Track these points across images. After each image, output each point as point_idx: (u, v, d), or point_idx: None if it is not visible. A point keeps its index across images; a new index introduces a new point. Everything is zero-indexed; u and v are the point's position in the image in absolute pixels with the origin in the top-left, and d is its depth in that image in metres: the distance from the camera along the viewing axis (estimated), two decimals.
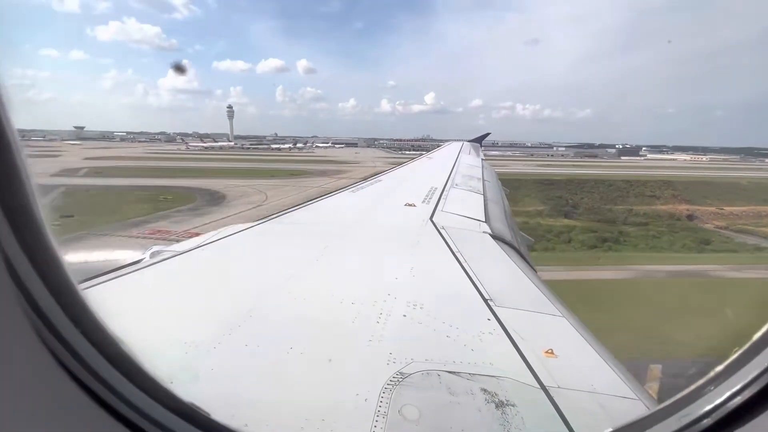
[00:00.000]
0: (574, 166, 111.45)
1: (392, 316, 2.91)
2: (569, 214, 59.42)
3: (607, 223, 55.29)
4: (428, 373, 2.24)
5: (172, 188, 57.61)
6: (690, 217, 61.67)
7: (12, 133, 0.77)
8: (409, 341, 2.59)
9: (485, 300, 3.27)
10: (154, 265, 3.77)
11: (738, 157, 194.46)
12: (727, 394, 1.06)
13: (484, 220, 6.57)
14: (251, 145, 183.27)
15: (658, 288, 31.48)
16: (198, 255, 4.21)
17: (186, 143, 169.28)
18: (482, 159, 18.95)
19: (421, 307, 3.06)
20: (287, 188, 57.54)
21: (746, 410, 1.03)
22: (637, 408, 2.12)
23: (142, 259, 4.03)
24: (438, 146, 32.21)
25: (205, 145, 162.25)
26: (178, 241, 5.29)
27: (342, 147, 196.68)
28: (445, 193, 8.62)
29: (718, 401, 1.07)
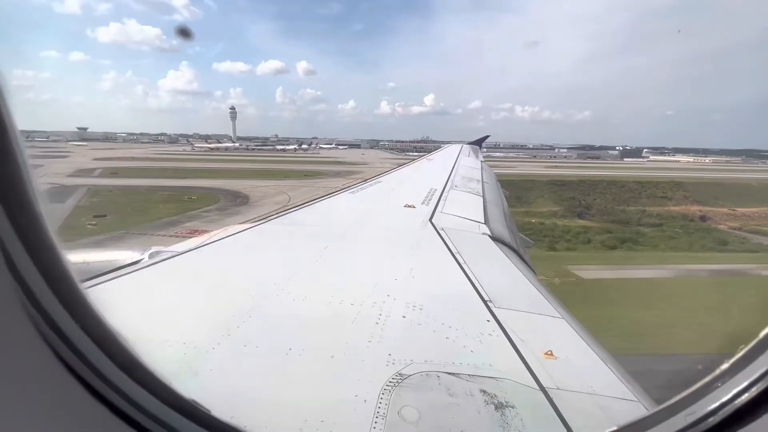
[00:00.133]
0: (580, 167, 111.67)
1: (392, 317, 2.91)
2: (582, 215, 59.49)
3: (621, 224, 55.39)
4: (428, 374, 2.23)
5: (193, 189, 58.13)
6: (703, 218, 61.61)
7: (13, 132, 0.78)
8: (408, 342, 2.58)
9: (485, 301, 3.26)
10: (153, 266, 3.76)
11: (740, 158, 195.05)
12: (734, 391, 1.06)
13: (483, 221, 6.57)
14: (256, 146, 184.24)
15: (714, 286, 31.48)
16: (197, 255, 4.21)
17: (191, 144, 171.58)
18: (481, 161, 18.95)
19: (420, 308, 3.06)
20: (305, 189, 57.49)
21: (753, 408, 1.03)
22: (636, 409, 2.11)
23: (141, 260, 4.01)
24: (438, 148, 32.26)
25: (210, 146, 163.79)
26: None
27: (345, 148, 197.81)
28: (444, 194, 8.62)
29: (724, 399, 1.07)
